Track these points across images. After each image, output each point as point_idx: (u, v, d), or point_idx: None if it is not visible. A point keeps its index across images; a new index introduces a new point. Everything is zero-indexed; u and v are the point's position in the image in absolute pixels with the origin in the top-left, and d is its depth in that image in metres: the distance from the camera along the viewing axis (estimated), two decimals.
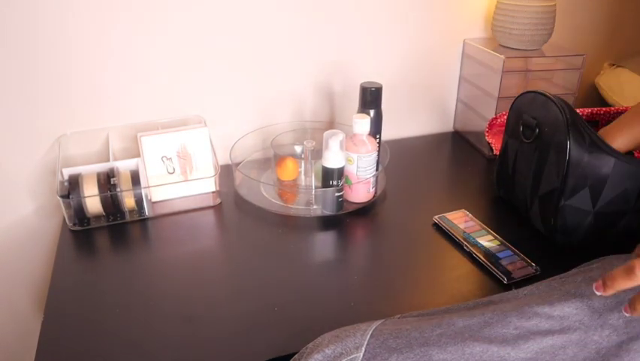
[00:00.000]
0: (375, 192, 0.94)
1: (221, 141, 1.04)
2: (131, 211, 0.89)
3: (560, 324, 0.50)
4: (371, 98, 0.91)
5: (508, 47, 1.08)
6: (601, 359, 0.48)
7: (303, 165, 1.00)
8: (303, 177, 1.00)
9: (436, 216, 0.87)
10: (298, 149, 1.02)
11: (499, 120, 1.04)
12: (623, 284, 0.48)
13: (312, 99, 1.10)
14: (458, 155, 1.15)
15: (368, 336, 0.52)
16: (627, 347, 0.48)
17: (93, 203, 0.85)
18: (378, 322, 0.55)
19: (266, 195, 0.95)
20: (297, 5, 1.00)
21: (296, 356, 0.56)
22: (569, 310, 0.51)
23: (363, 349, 0.51)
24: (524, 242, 0.81)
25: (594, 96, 1.30)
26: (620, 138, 0.74)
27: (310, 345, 0.55)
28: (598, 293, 0.50)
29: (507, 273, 0.74)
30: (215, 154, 0.96)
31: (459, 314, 0.53)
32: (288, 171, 0.97)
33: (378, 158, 0.94)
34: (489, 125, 1.04)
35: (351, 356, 0.50)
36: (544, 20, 1.04)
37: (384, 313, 0.58)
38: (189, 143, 0.91)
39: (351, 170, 0.89)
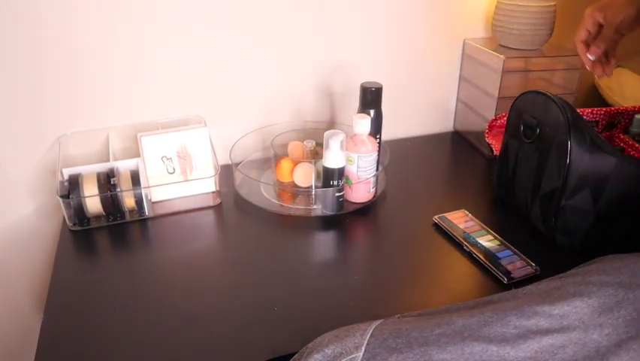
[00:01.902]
0: (376, 192, 0.94)
1: (221, 141, 1.04)
2: (131, 211, 0.89)
3: (560, 323, 0.50)
4: (371, 98, 0.91)
5: (508, 47, 1.08)
6: (600, 358, 0.48)
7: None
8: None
9: (436, 216, 0.87)
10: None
11: (498, 122, 1.04)
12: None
13: (312, 99, 1.10)
14: (458, 155, 1.15)
15: (368, 336, 0.52)
16: (627, 346, 0.48)
17: (93, 203, 0.85)
18: (378, 322, 0.55)
19: (266, 195, 0.95)
20: (297, 5, 1.00)
21: (296, 355, 0.56)
22: (568, 309, 0.51)
23: (363, 349, 0.50)
24: (524, 242, 0.81)
25: (594, 96, 1.30)
26: None
27: (310, 345, 0.55)
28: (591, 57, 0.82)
29: (507, 273, 0.74)
30: (215, 154, 0.96)
31: (458, 314, 0.53)
32: (287, 172, 0.97)
33: (378, 158, 0.94)
34: (489, 126, 1.04)
35: (351, 356, 0.50)
36: (544, 20, 1.04)
37: (385, 313, 0.58)
38: (189, 143, 0.91)
39: (352, 170, 0.89)
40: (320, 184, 0.90)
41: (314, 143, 0.99)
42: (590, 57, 0.84)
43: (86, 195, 0.84)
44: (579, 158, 0.74)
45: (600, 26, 0.84)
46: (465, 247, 0.80)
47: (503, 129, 0.91)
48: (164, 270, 0.77)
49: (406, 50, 1.13)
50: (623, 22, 0.81)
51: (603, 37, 0.83)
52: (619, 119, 1.02)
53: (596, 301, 0.51)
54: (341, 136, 0.84)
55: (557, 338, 0.49)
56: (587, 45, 0.86)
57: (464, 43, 1.16)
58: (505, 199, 0.93)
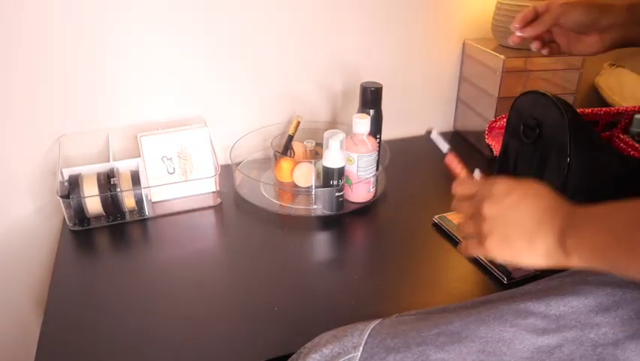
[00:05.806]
0: (375, 192, 0.94)
1: (221, 141, 1.04)
2: (131, 211, 0.89)
3: (557, 323, 0.50)
4: (371, 98, 0.91)
5: (508, 47, 1.08)
6: (597, 358, 0.48)
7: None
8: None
9: (436, 216, 0.87)
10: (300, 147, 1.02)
11: (498, 123, 1.04)
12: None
13: (312, 99, 1.10)
14: (458, 155, 1.15)
15: (366, 336, 0.52)
16: (623, 345, 0.48)
17: (93, 203, 0.85)
18: (376, 321, 0.55)
19: (266, 195, 0.95)
20: (297, 5, 1.00)
21: (294, 355, 0.56)
22: (565, 309, 0.51)
23: (361, 348, 0.51)
24: None
25: (594, 96, 1.29)
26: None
27: (308, 345, 0.55)
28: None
29: (507, 273, 0.74)
30: (215, 154, 0.96)
31: (456, 313, 0.53)
32: (287, 172, 0.97)
33: (378, 158, 0.94)
34: (488, 128, 1.04)
35: (349, 356, 0.50)
36: None
37: (384, 313, 0.58)
38: (189, 143, 0.91)
39: (352, 170, 0.89)
40: (320, 184, 0.90)
41: (314, 143, 1.00)
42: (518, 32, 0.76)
43: (86, 195, 0.84)
44: (579, 158, 0.74)
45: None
46: None
47: (503, 131, 0.91)
48: (164, 270, 0.77)
49: (406, 50, 1.13)
50: (565, 19, 0.73)
51: (541, 21, 0.75)
52: (619, 119, 1.02)
53: (593, 300, 0.51)
54: (341, 136, 0.84)
55: (554, 337, 0.49)
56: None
57: (464, 44, 1.15)
58: None
